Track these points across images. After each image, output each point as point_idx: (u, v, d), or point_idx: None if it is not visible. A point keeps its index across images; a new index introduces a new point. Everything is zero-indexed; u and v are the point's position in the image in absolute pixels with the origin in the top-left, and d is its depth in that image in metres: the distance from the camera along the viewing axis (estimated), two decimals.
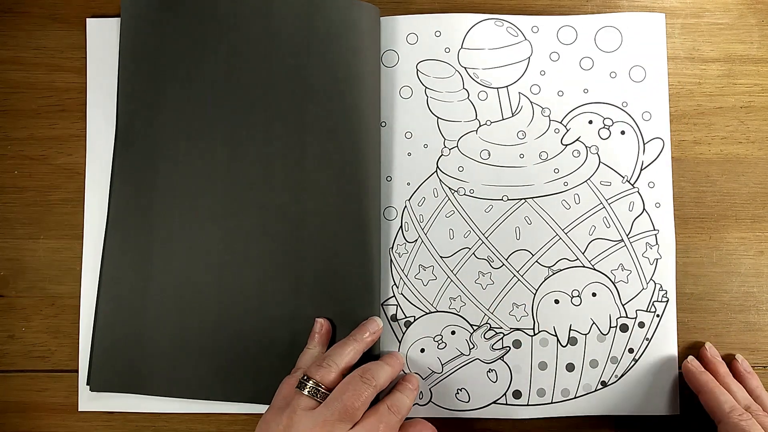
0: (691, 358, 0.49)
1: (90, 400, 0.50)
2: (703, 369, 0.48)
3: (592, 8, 0.52)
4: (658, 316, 0.50)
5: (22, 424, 0.51)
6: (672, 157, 0.51)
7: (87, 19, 0.52)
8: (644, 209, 0.50)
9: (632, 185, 0.50)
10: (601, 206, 0.50)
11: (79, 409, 0.50)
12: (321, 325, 0.48)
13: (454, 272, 0.50)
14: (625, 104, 0.51)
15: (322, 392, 0.42)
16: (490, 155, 0.50)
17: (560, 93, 0.51)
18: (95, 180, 0.51)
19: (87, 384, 0.49)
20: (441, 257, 0.50)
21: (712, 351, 0.49)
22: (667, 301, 0.50)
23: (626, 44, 0.51)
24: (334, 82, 0.49)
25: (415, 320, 0.50)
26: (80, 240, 0.51)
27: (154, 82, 0.50)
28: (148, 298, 0.49)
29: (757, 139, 0.52)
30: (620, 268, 0.50)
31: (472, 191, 0.50)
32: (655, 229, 0.50)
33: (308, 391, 0.42)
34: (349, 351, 0.45)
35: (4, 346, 0.51)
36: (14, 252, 0.51)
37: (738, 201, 0.51)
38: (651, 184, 0.50)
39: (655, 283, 0.50)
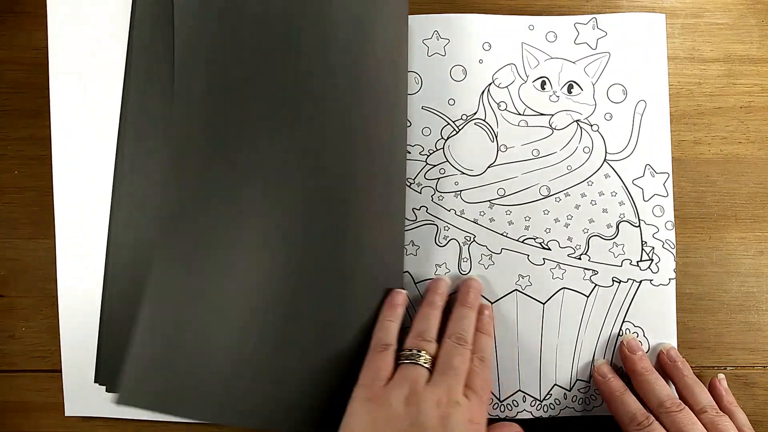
0: (600, 364, 0.49)
1: (74, 403, 0.50)
2: (610, 375, 0.48)
3: (592, 8, 0.52)
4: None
5: (23, 424, 0.51)
6: (672, 157, 0.51)
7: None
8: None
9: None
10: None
11: (66, 414, 0.50)
12: (404, 297, 0.48)
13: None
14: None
15: (431, 360, 0.44)
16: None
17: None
18: (62, 174, 0.50)
19: (117, 400, 0.45)
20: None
21: (629, 345, 0.49)
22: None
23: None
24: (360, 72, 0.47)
25: None
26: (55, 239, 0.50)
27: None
28: (191, 310, 0.45)
29: (757, 139, 0.52)
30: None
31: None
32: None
33: (423, 362, 0.43)
34: (434, 320, 0.46)
35: (4, 346, 0.51)
36: (14, 252, 0.51)
37: (738, 201, 0.52)
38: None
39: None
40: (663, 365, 0.49)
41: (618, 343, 0.50)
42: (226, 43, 0.47)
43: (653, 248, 0.50)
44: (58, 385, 0.50)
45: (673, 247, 0.50)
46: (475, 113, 0.51)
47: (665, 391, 0.46)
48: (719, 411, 0.45)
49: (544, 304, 0.50)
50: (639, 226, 0.50)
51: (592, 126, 0.51)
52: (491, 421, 0.49)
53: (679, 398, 0.46)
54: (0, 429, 0.50)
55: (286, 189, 0.46)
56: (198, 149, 0.46)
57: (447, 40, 0.51)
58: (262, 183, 0.46)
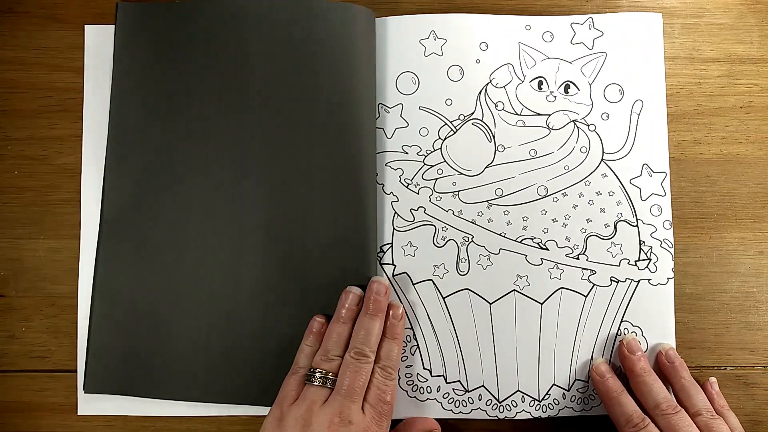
0: (598, 363, 0.49)
1: (88, 404, 0.50)
2: (608, 374, 0.48)
3: (592, 8, 0.52)
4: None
5: (22, 424, 0.51)
6: (672, 157, 0.51)
7: (86, 26, 0.52)
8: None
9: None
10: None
11: (78, 413, 0.50)
12: (321, 323, 0.48)
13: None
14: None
15: (332, 379, 0.45)
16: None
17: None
18: (92, 181, 0.51)
19: (83, 389, 0.49)
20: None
21: (629, 346, 0.49)
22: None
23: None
24: (330, 87, 0.49)
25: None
26: (80, 240, 0.51)
27: (147, 93, 0.50)
28: (144, 298, 0.49)
29: (757, 139, 0.52)
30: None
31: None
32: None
33: (321, 382, 0.45)
34: (338, 336, 0.47)
35: (4, 346, 0.51)
36: (14, 252, 0.51)
37: (738, 201, 0.51)
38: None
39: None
40: (661, 366, 0.49)
41: (617, 342, 0.50)
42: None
43: (651, 248, 0.50)
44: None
45: (671, 246, 0.50)
46: (472, 113, 0.51)
47: (662, 393, 0.46)
48: (714, 414, 0.46)
49: (542, 304, 0.50)
50: (637, 225, 0.50)
51: (589, 126, 0.50)
52: (485, 422, 0.50)
53: (677, 400, 0.47)
54: (0, 429, 0.51)
55: (237, 175, 0.50)
56: (142, 137, 0.50)
57: (444, 40, 0.51)
58: (207, 171, 0.50)
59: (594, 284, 0.50)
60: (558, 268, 0.50)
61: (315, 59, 0.49)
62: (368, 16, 0.50)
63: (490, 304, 0.50)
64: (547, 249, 0.50)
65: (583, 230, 0.50)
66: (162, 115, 0.50)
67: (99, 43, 0.52)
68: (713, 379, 0.49)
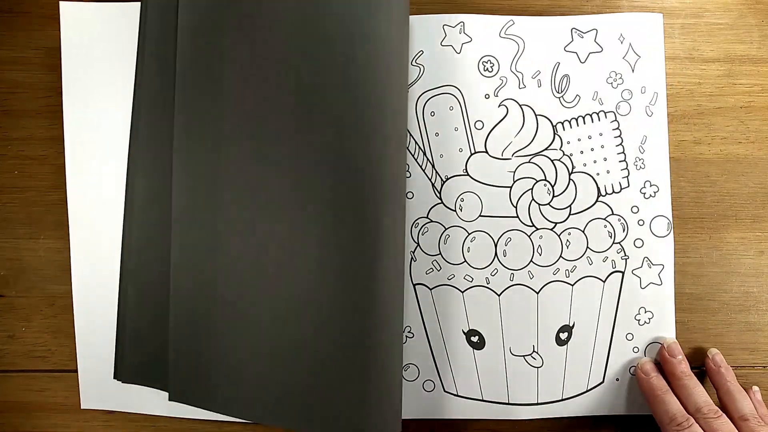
0: (643, 361, 0.49)
1: (90, 399, 0.50)
2: (653, 373, 0.48)
3: (592, 8, 0.52)
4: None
5: (23, 424, 0.51)
6: (671, 158, 0.51)
7: (60, 3, 0.50)
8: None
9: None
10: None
11: (82, 407, 0.50)
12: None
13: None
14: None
15: None
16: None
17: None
18: (76, 176, 0.50)
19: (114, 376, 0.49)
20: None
21: (670, 349, 0.49)
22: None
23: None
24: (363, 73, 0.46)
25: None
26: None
27: (207, 66, 0.47)
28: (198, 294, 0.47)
29: (757, 139, 0.52)
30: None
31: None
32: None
33: None
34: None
35: (4, 346, 0.51)
36: (14, 252, 0.51)
37: (738, 201, 0.51)
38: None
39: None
40: (707, 370, 0.49)
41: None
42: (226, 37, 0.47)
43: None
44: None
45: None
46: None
47: (703, 396, 0.46)
48: (761, 421, 0.45)
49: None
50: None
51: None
52: (484, 422, 0.50)
53: (721, 404, 0.47)
54: (0, 429, 0.51)
55: (300, 188, 0.46)
56: (207, 146, 0.47)
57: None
58: (279, 186, 0.46)
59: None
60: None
61: (356, 48, 0.46)
62: (402, 2, 0.48)
63: None
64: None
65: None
66: (210, 116, 0.47)
67: (75, 23, 0.50)
68: (756, 388, 0.49)
